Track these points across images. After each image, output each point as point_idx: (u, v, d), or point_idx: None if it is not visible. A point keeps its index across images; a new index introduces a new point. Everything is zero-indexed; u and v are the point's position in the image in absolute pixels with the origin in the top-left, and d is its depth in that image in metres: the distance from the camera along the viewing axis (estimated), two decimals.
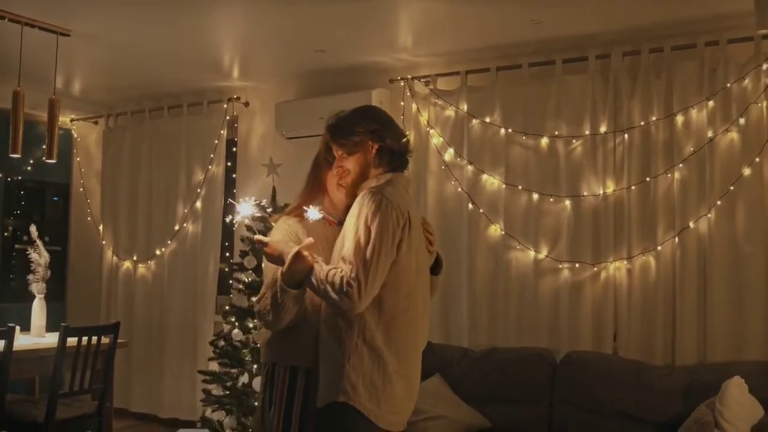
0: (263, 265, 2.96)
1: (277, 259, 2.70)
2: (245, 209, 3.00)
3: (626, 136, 4.95)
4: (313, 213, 2.71)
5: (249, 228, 5.35)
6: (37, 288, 5.44)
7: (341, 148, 2.83)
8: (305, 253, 2.62)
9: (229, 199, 6.19)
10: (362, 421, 2.64)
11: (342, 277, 2.55)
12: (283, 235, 2.86)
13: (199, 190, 6.81)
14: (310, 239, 2.69)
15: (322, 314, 2.76)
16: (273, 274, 2.79)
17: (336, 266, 2.61)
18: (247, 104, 6.72)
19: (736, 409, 3.71)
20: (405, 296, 2.71)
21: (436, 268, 2.98)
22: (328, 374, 2.68)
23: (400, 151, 2.86)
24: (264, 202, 5.45)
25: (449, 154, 5.54)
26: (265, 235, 3.23)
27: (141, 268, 7.16)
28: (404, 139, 2.90)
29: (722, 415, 3.69)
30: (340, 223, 2.88)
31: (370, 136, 2.80)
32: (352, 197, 2.82)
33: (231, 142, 6.85)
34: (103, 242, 7.45)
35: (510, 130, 5.30)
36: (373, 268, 2.57)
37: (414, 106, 5.70)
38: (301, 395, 2.80)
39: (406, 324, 2.74)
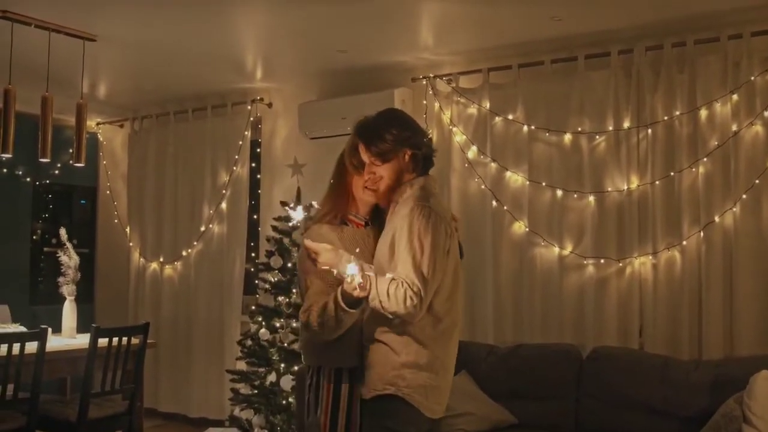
0: (304, 269, 2.99)
1: (329, 272, 2.80)
2: (298, 215, 3.10)
3: (650, 131, 4.94)
4: (352, 268, 2.72)
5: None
6: (68, 290, 5.51)
7: (376, 157, 2.91)
8: (364, 280, 2.70)
9: (280, 200, 6.18)
10: (411, 412, 2.80)
11: (405, 291, 2.68)
12: None
13: (224, 191, 6.87)
14: (358, 269, 2.70)
15: (369, 313, 2.86)
16: (318, 285, 2.89)
17: (394, 279, 2.71)
18: (270, 105, 6.77)
19: (764, 403, 3.69)
20: (448, 297, 2.87)
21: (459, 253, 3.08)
22: (377, 368, 2.83)
23: (430, 156, 2.99)
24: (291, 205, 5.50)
25: (472, 152, 5.56)
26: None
27: (168, 269, 7.24)
28: (430, 141, 3.05)
29: (750, 409, 3.68)
30: (367, 224, 3.03)
31: (404, 144, 2.90)
32: (387, 202, 2.95)
33: (255, 143, 6.91)
34: (130, 244, 7.54)
35: (533, 127, 5.31)
36: (431, 280, 2.73)
37: (436, 105, 5.72)
38: (347, 394, 2.93)
39: (450, 322, 2.90)
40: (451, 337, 2.93)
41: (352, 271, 2.68)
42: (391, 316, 2.74)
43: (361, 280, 2.68)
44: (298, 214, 3.16)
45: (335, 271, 2.77)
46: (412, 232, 2.75)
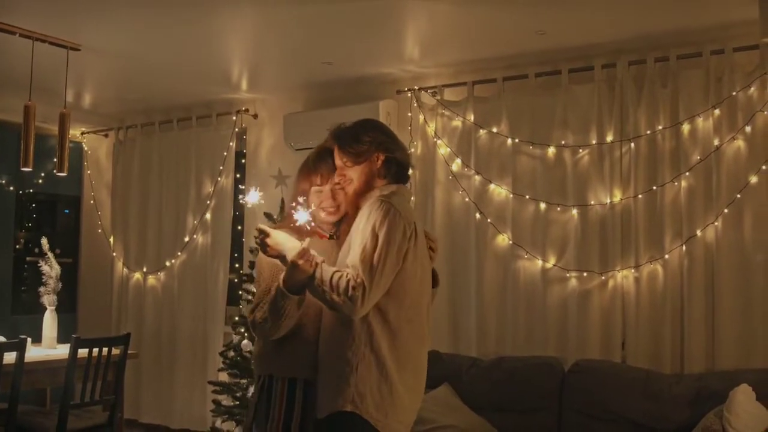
0: (257, 268, 2.93)
1: (276, 254, 2.69)
2: (253, 197, 2.98)
3: (632, 145, 4.97)
4: (302, 215, 2.68)
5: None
6: (49, 300, 5.48)
7: (348, 157, 2.84)
8: (307, 256, 2.62)
9: (240, 196, 6.15)
10: (369, 431, 2.65)
11: (348, 281, 2.57)
12: None
13: (208, 202, 6.85)
14: (308, 240, 2.66)
15: (324, 324, 2.78)
16: (267, 283, 2.80)
17: (340, 269, 2.63)
18: (255, 116, 6.77)
19: (743, 416, 3.71)
20: (409, 307, 2.74)
21: (433, 281, 2.99)
22: (333, 384, 2.68)
23: (404, 164, 2.91)
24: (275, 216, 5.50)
25: (456, 165, 5.57)
26: None
27: (151, 280, 7.20)
28: (408, 153, 2.97)
29: (730, 423, 3.69)
30: (332, 236, 2.91)
31: (377, 147, 2.84)
32: (354, 207, 2.84)
33: (240, 154, 6.90)
34: (114, 254, 7.50)
35: (517, 140, 5.33)
36: (378, 274, 2.60)
37: (421, 117, 5.73)
38: (300, 407, 2.79)
39: (411, 334, 2.76)
40: (413, 351, 2.78)
41: (302, 218, 2.63)
42: (331, 309, 2.63)
43: (307, 247, 2.59)
44: (252, 197, 3.05)
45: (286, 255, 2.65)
46: (368, 224, 2.66)
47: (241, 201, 6.43)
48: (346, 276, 2.58)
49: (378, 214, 2.66)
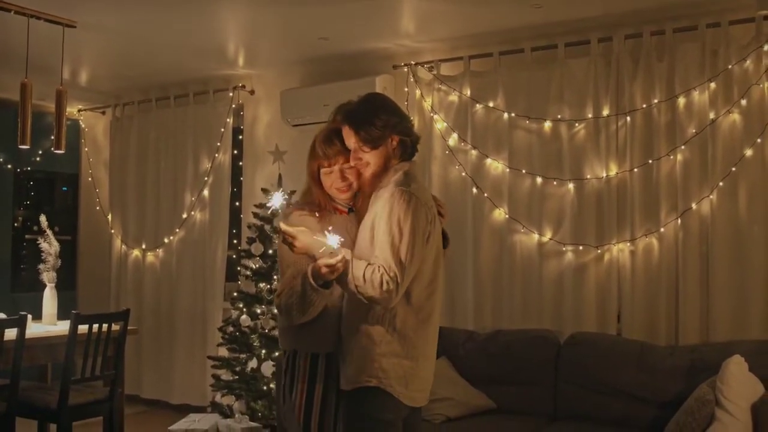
0: (281, 256, 3.01)
1: (303, 254, 2.77)
2: (277, 199, 3.11)
3: (628, 118, 4.98)
4: (333, 239, 2.69)
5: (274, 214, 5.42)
6: (48, 277, 5.51)
7: (364, 143, 2.87)
8: (338, 264, 2.68)
9: (261, 187, 6.13)
10: (392, 402, 2.81)
11: (381, 276, 2.66)
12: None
13: (206, 178, 6.86)
14: (337, 248, 2.69)
15: (347, 303, 2.88)
16: (294, 268, 2.85)
17: (371, 263, 2.71)
18: (252, 92, 6.77)
19: (736, 387, 3.74)
20: (428, 284, 2.86)
21: (444, 241, 3.06)
22: (358, 359, 2.81)
23: (416, 142, 2.97)
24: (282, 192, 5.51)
25: (453, 139, 5.58)
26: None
27: (150, 256, 7.23)
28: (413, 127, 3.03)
29: (722, 393, 3.73)
30: (350, 209, 3.01)
31: (393, 130, 2.88)
32: (372, 188, 2.91)
33: (237, 130, 6.91)
34: (112, 231, 7.53)
35: (513, 115, 5.33)
36: (409, 265, 2.71)
37: (418, 92, 5.74)
38: (322, 378, 2.93)
39: (430, 309, 2.89)
40: (431, 325, 2.92)
41: (332, 242, 2.65)
42: (366, 301, 2.73)
43: (339, 258, 2.66)
44: (276, 200, 3.13)
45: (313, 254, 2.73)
46: (392, 217, 2.72)
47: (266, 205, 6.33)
48: (379, 270, 2.67)
49: (400, 205, 2.73)
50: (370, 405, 2.81)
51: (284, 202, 3.16)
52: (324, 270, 2.68)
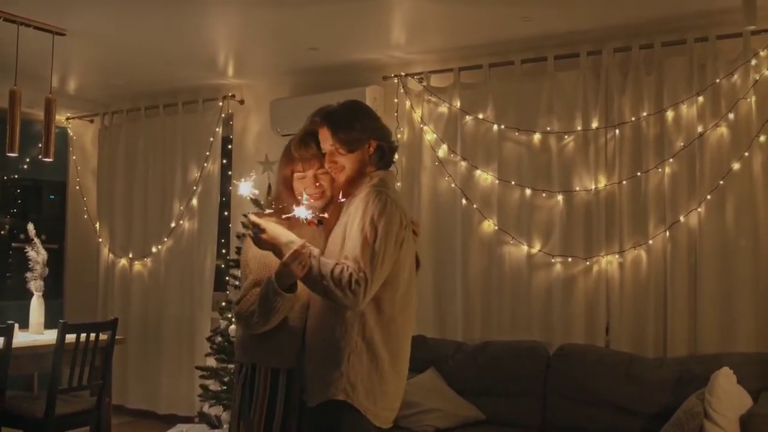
0: (244, 262, 2.86)
1: (270, 248, 2.64)
2: (244, 188, 2.92)
3: (617, 131, 5.01)
4: (302, 211, 2.63)
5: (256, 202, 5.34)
6: (35, 286, 5.48)
7: (341, 145, 2.76)
8: (304, 250, 2.57)
9: (233, 181, 6.09)
10: (359, 419, 2.65)
11: (350, 275, 2.53)
12: None
13: (195, 188, 6.85)
14: (303, 241, 2.61)
15: (313, 313, 2.75)
16: (256, 275, 2.75)
17: (339, 262, 2.58)
18: (242, 102, 6.76)
19: (724, 399, 3.76)
20: (402, 295, 2.73)
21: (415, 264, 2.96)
22: (324, 373, 2.66)
23: (393, 150, 2.88)
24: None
25: (443, 151, 5.59)
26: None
27: (137, 265, 7.20)
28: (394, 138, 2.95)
29: (711, 405, 3.75)
30: (320, 222, 2.80)
31: (371, 135, 2.79)
32: (344, 194, 2.79)
33: (226, 140, 6.90)
34: (100, 240, 7.49)
35: (503, 126, 5.35)
36: (379, 266, 2.58)
37: (408, 103, 5.75)
38: (283, 395, 2.77)
39: (403, 322, 2.76)
40: (404, 338, 2.79)
41: (301, 213, 2.56)
42: (332, 302, 2.59)
43: (299, 249, 2.55)
44: (243, 189, 2.99)
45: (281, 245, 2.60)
46: (366, 216, 2.61)
47: (232, 189, 6.35)
48: (348, 269, 2.55)
49: (375, 205, 2.63)
50: (337, 421, 2.64)
51: (252, 190, 3.00)
52: (292, 263, 2.55)
